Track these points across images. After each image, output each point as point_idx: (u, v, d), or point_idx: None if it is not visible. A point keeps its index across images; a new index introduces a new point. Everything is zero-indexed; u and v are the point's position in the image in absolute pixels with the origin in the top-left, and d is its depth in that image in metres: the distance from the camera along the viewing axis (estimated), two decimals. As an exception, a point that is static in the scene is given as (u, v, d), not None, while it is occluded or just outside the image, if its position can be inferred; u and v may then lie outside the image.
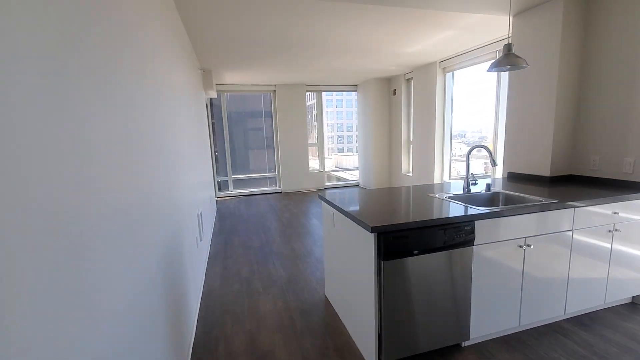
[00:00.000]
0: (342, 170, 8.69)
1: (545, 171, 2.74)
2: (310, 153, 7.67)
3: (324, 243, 2.61)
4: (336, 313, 2.42)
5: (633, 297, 2.40)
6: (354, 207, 2.02)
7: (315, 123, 7.83)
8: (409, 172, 6.66)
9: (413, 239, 1.67)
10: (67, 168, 0.73)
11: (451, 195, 2.28)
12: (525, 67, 2.06)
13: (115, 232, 0.96)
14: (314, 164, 8.01)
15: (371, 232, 1.61)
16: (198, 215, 3.04)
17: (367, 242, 1.71)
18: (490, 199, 2.38)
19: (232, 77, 6.22)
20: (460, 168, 5.72)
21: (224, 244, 4.08)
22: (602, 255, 2.18)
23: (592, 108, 2.59)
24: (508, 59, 2.03)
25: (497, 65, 2.09)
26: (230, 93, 7.26)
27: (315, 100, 7.71)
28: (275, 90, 7.21)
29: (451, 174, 5.65)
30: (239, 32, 3.60)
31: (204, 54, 4.40)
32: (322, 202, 2.47)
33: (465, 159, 2.41)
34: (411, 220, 1.66)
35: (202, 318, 2.45)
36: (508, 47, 2.05)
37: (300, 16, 3.17)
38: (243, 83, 6.86)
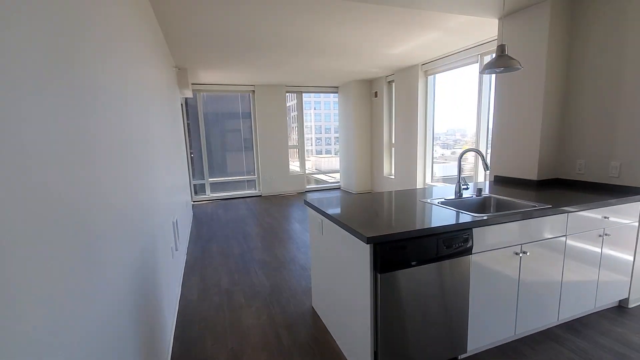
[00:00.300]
0: (323, 173, 8.57)
1: (532, 175, 2.73)
2: (290, 155, 7.50)
3: (311, 251, 2.46)
4: (325, 327, 2.28)
5: (620, 300, 2.41)
6: (344, 215, 1.89)
7: (295, 125, 7.67)
8: (390, 175, 6.63)
9: (411, 249, 1.56)
10: (-1, 181, 0.55)
11: (443, 200, 2.20)
12: (519, 68, 2.01)
13: (62, 255, 0.78)
14: (294, 166, 7.85)
15: (367, 243, 1.48)
16: (173, 223, 2.81)
17: (362, 253, 1.58)
18: (481, 204, 2.32)
19: (209, 76, 5.97)
20: (436, 170, 5.74)
21: (201, 252, 3.84)
22: (593, 260, 2.16)
23: (577, 111, 2.60)
24: (502, 61, 1.98)
25: (491, 67, 2.03)
26: (207, 93, 6.98)
27: (295, 102, 7.56)
28: (254, 91, 7.00)
29: (433, 177, 5.66)
30: (216, 28, 3.40)
31: (179, 50, 4.16)
32: (309, 208, 2.33)
33: (456, 162, 2.34)
34: (409, 230, 1.55)
35: (178, 336, 2.24)
36: (502, 49, 2.00)
37: (279, 13, 3.03)
38: (220, 82, 6.60)
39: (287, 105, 7.31)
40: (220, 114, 7.39)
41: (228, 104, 7.42)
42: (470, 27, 3.58)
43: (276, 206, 6.23)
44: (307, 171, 7.77)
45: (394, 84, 6.29)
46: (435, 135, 5.58)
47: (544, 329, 2.15)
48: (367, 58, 4.88)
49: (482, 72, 2.15)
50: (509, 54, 2.03)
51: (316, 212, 2.19)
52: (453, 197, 2.29)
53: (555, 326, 2.19)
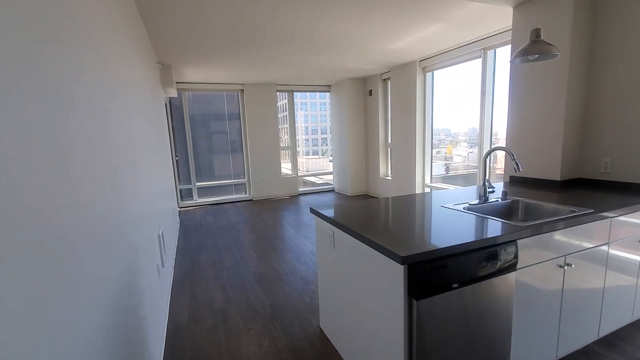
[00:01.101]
0: (316, 175, 8.30)
1: (554, 175, 2.52)
2: (281, 157, 7.19)
3: (318, 266, 2.18)
4: (337, 351, 1.99)
5: (655, 310, 2.22)
6: (361, 225, 1.62)
7: (285, 125, 7.37)
8: (387, 176, 6.40)
9: (453, 268, 1.30)
10: None
11: (467, 206, 1.96)
12: (557, 55, 1.78)
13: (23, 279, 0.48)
14: (285, 168, 7.54)
15: (402, 264, 1.21)
16: (159, 235, 2.48)
17: (393, 275, 1.31)
18: (509, 209, 2.09)
19: (195, 74, 5.61)
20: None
21: (190, 265, 3.50)
22: (633, 269, 1.96)
23: (602, 105, 2.40)
24: (537, 47, 1.74)
25: (524, 54, 1.79)
26: (193, 92, 6.60)
27: (286, 101, 7.25)
28: (243, 90, 6.66)
29: (432, 177, 5.45)
30: (200, 19, 3.09)
31: (162, 44, 3.81)
32: (316, 217, 2.05)
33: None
34: (451, 245, 1.29)
35: (167, 371, 1.92)
36: (536, 33, 1.77)
37: (268, 3, 2.74)
38: (207, 81, 6.25)
39: (277, 104, 7.00)
40: (207, 114, 7.02)
41: (215, 104, 7.06)
42: (476, 19, 3.37)
43: (268, 211, 5.91)
44: (299, 173, 7.47)
45: (389, 81, 6.06)
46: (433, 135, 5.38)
47: (582, 346, 1.93)
48: (363, 54, 4.63)
49: (512, 60, 1.91)
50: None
51: (326, 222, 1.91)
52: (477, 201, 2.04)
53: (594, 342, 1.97)
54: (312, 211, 2.07)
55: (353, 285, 1.68)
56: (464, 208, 1.91)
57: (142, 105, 2.52)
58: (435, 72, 5.14)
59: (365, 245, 1.48)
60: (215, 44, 3.92)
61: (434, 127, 5.34)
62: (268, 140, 6.90)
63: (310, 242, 4.09)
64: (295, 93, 7.25)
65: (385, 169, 6.49)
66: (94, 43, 1.30)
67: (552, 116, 2.49)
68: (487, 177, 2.04)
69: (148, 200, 2.29)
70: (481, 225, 1.55)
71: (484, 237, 1.37)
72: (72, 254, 0.83)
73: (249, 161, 6.89)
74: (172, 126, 6.48)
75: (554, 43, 2.40)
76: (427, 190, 5.45)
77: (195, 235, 4.58)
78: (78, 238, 0.88)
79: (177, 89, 6.08)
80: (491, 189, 2.07)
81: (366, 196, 6.80)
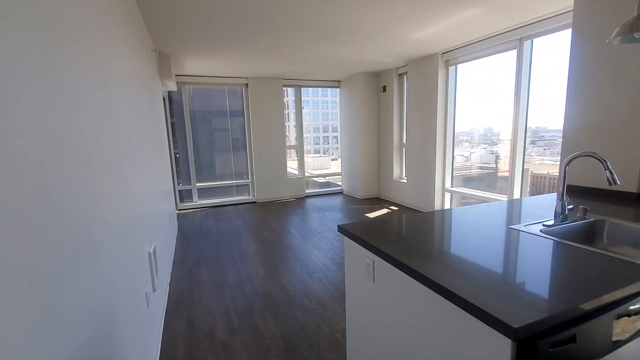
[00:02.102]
0: (323, 176, 7.85)
1: (630, 186, 2.08)
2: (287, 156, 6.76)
3: (347, 295, 1.74)
4: (372, 412, 1.56)
5: None
6: (414, 256, 1.18)
7: (293, 122, 6.93)
8: (401, 179, 5.96)
9: (584, 341, 0.86)
10: None
11: (543, 227, 1.52)
12: (684, 30, 1.33)
13: None
14: (291, 168, 7.11)
15: (512, 339, 0.78)
16: (150, 254, 2.05)
17: (489, 351, 0.87)
18: (591, 231, 1.65)
19: (196, 66, 5.17)
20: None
21: (188, 282, 3.07)
22: None
23: (694, 102, 1.96)
24: (654, 19, 1.30)
25: (630, 30, 1.35)
26: (194, 86, 6.16)
27: (293, 97, 6.81)
28: (247, 84, 6.22)
29: (453, 181, 5.01)
30: (203, 3, 2.65)
31: (159, 30, 3.37)
32: (347, 237, 1.61)
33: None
34: (577, 305, 0.85)
35: None
36: (654, 0, 1.32)
37: None
38: (209, 74, 5.80)
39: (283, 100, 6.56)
40: (209, 110, 6.58)
41: (217, 99, 6.62)
42: (520, 2, 2.92)
43: (274, 215, 5.47)
44: (306, 174, 7.03)
45: (406, 76, 5.61)
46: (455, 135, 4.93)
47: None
48: (382, 44, 4.18)
49: (611, 40, 1.47)
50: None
51: (362, 248, 1.47)
52: (553, 221, 1.60)
53: None
54: (342, 231, 1.63)
55: (404, 338, 1.24)
56: (540, 230, 1.47)
57: (131, 98, 2.08)
58: (458, 65, 4.69)
59: (431, 291, 1.04)
60: (218, 31, 3.47)
61: (456, 127, 4.89)
62: (274, 138, 6.46)
63: (322, 253, 3.65)
64: (302, 89, 6.80)
65: (399, 170, 6.05)
66: (65, 21, 0.87)
67: (633, 114, 2.05)
68: (564, 190, 1.60)
69: (137, 208, 1.86)
70: (588, 261, 1.11)
71: (619, 290, 0.93)
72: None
73: (252, 161, 6.45)
74: (172, 122, 6.05)
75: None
76: (447, 195, 5.01)
77: (195, 243, 4.15)
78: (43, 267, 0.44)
79: (177, 83, 5.64)
80: (571, 206, 1.63)
81: (377, 199, 6.36)
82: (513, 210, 1.87)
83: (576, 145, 2.36)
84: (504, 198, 4.16)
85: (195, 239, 4.32)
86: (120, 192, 1.49)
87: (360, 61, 5.13)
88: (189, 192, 6.36)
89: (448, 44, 4.29)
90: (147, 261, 2.00)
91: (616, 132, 2.13)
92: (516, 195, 3.94)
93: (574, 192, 2.35)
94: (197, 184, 6.33)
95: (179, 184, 6.22)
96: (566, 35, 3.41)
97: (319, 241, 4.08)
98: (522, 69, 3.69)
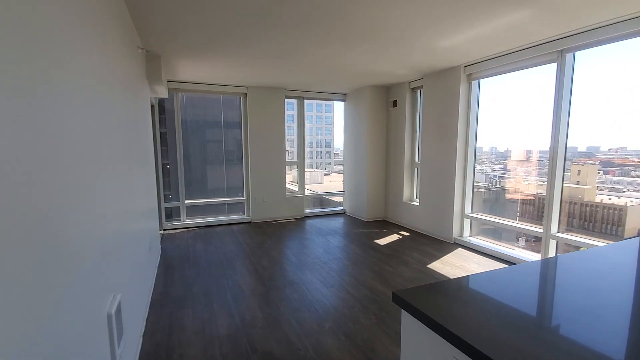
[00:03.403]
0: (327, 195, 7.29)
1: None
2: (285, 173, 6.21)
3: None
4: None
5: None
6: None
7: (292, 136, 6.43)
8: (413, 201, 5.44)
9: None
10: None
11: None
12: None
13: None
14: (291, 185, 6.56)
15: None
16: (110, 316, 1.45)
17: None
18: None
19: (190, 71, 4.65)
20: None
21: (167, 331, 2.45)
22: None
23: None
24: None
25: None
26: (187, 93, 5.63)
27: (295, 110, 6.32)
28: (246, 93, 5.71)
29: (474, 206, 4.51)
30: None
31: (147, 25, 2.85)
32: (410, 315, 1.05)
33: None
34: None
35: None
36: None
37: None
38: (204, 81, 5.29)
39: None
40: (203, 120, 6.03)
41: (213, 109, 6.08)
42: (576, 5, 2.49)
43: (272, 238, 4.87)
44: (306, 192, 6.47)
45: (420, 90, 5.18)
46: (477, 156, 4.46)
47: None
48: (400, 53, 3.72)
49: None
50: None
51: (441, 339, 0.92)
52: None
53: None
54: (402, 303, 1.07)
55: None
56: None
57: (98, 98, 1.53)
58: (482, 80, 4.26)
59: None
60: (216, 29, 2.97)
61: (477, 147, 4.43)
62: (273, 153, 5.93)
63: (332, 292, 3.07)
64: (305, 101, 6.32)
65: (410, 192, 5.53)
66: None
67: None
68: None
69: (98, 245, 1.29)
70: None
71: None
72: None
73: (249, 177, 5.88)
74: (162, 132, 5.48)
75: None
76: (467, 221, 4.50)
77: (180, 275, 3.52)
78: None
79: (169, 89, 5.11)
80: None
81: (385, 222, 5.81)
82: (607, 261, 1.35)
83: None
84: (537, 228, 3.66)
85: (180, 269, 3.69)
86: (68, 228, 0.92)
87: (371, 72, 4.67)
88: (177, 209, 5.73)
89: (473, 55, 3.86)
90: (106, 327, 1.40)
91: None
92: (554, 226, 3.44)
93: (670, 235, 1.84)
94: (186, 201, 5.71)
95: (168, 197, 5.61)
96: (612, 48, 3.00)
97: (326, 275, 3.49)
98: (564, 83, 3.26)
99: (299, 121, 6.29)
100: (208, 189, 6.10)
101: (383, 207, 6.04)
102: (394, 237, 4.88)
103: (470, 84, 4.30)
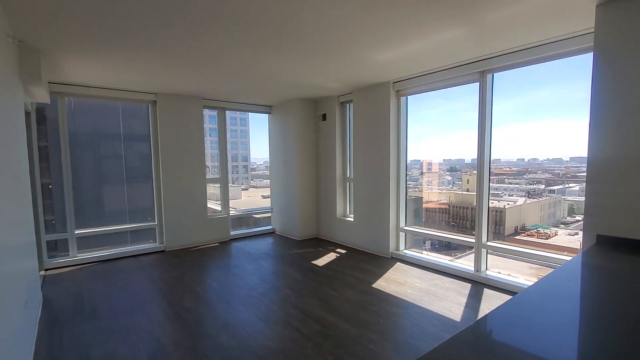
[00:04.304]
0: (256, 213, 6.70)
1: (685, 238, 1.75)
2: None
3: None
4: None
5: None
6: None
7: (216, 150, 5.79)
8: (347, 216, 5.33)
9: None
10: None
11: None
12: None
13: None
14: (213, 205, 5.87)
15: None
16: None
17: None
18: None
19: (81, 71, 3.75)
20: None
21: None
22: None
23: None
24: None
25: None
26: (78, 99, 4.59)
27: (216, 122, 5.72)
28: (155, 101, 4.93)
29: (407, 220, 4.57)
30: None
31: (20, 6, 2.10)
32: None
33: None
34: None
35: None
36: None
37: None
38: (100, 84, 4.37)
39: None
40: (98, 132, 4.99)
41: (112, 118, 5.09)
42: (503, 25, 2.65)
43: (194, 270, 4.17)
44: (231, 212, 5.85)
45: (349, 105, 5.16)
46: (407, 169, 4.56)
47: None
48: (333, 64, 3.56)
49: None
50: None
51: None
52: None
53: None
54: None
55: None
56: None
57: None
58: (409, 97, 4.40)
59: None
60: (116, 18, 2.36)
61: (408, 161, 4.53)
62: (192, 169, 5.21)
63: (276, 331, 2.64)
64: (231, 111, 5.78)
65: (343, 208, 5.42)
66: None
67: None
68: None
69: None
70: None
71: None
72: None
73: (161, 198, 5.03)
74: (40, 146, 4.32)
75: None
76: (402, 234, 4.53)
77: (70, 333, 2.65)
78: None
79: (52, 93, 4.07)
80: None
81: (318, 240, 5.57)
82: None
83: (611, 179, 2.01)
84: (469, 238, 3.84)
85: (71, 324, 2.80)
86: None
87: (299, 83, 4.44)
88: (64, 242, 4.55)
89: (402, 72, 3.94)
90: None
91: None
92: (484, 235, 3.63)
93: (610, 244, 1.97)
94: (76, 231, 4.58)
95: (51, 224, 4.40)
96: (531, 71, 3.33)
97: (266, 309, 3.04)
98: (486, 101, 3.50)
99: (221, 134, 5.70)
100: (105, 213, 5.03)
101: (316, 224, 5.80)
102: (331, 256, 4.65)
103: (399, 99, 4.40)
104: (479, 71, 3.48)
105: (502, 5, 2.23)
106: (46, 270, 4.23)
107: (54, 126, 4.47)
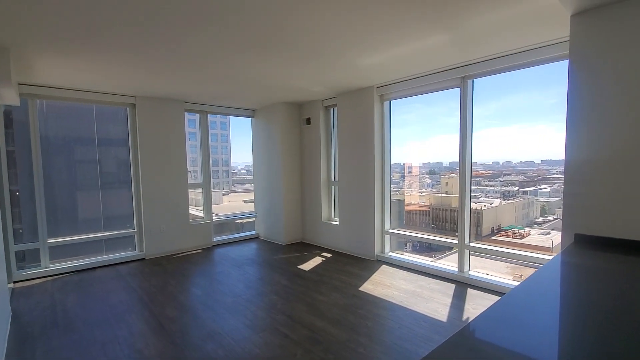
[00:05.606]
0: (239, 218, 6.56)
1: (657, 235, 1.85)
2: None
3: None
4: None
5: None
6: None
7: (195, 155, 5.67)
8: (332, 220, 5.33)
9: None
10: None
11: None
12: None
13: None
14: (196, 211, 5.73)
15: None
16: None
17: None
18: None
19: (54, 72, 3.58)
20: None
21: None
22: None
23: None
24: None
25: None
26: (50, 101, 4.39)
27: (197, 126, 5.60)
28: (135, 104, 4.78)
29: (392, 222, 4.62)
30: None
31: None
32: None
33: None
34: None
35: None
36: None
37: None
38: (75, 86, 4.19)
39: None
40: (71, 136, 4.78)
41: (88, 122, 4.89)
42: (484, 34, 2.74)
43: (176, 277, 4.04)
44: (214, 217, 5.73)
45: (334, 109, 5.18)
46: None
47: None
48: (319, 67, 3.56)
49: None
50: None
51: None
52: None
53: None
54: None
55: None
56: None
57: None
58: (393, 101, 4.47)
59: None
60: (92, 17, 2.28)
61: (392, 163, 4.59)
62: (173, 174, 5.07)
63: (264, 338, 2.59)
64: (209, 115, 5.67)
65: (328, 211, 5.41)
66: None
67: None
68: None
69: None
70: None
71: None
72: None
73: (141, 204, 4.87)
74: (8, 151, 4.09)
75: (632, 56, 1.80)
76: (387, 237, 4.56)
77: (43, 349, 2.50)
78: None
79: (21, 95, 3.87)
80: None
81: (303, 245, 5.53)
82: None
83: (587, 179, 2.10)
84: (452, 240, 3.91)
85: (44, 339, 2.64)
86: None
87: (284, 87, 4.42)
88: (35, 252, 4.31)
89: (386, 77, 4.00)
90: None
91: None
92: (467, 236, 3.71)
93: (589, 242, 2.05)
94: (48, 240, 4.35)
95: (19, 234, 4.16)
96: (517, 76, 3.45)
97: (253, 317, 2.98)
98: (467, 105, 3.60)
99: (203, 138, 5.59)
100: (79, 220, 4.81)
101: (301, 228, 5.76)
102: (317, 260, 4.62)
103: (382, 104, 4.46)
104: (461, 77, 3.57)
105: (485, 10, 2.30)
106: (15, 282, 3.99)
107: (23, 129, 4.24)
